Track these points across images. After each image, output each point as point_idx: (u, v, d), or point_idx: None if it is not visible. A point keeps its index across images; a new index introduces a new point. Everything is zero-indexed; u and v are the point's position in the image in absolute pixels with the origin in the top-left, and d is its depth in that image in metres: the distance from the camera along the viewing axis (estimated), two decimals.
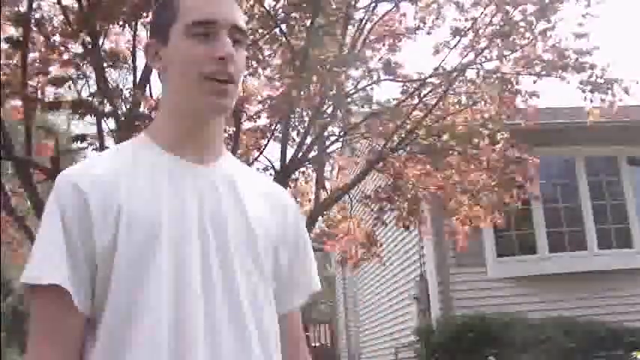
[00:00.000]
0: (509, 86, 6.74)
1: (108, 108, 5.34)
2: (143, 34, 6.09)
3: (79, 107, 5.33)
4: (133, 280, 1.12)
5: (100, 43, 5.57)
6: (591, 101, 6.60)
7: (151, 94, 6.37)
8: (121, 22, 5.44)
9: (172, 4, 1.24)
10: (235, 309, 1.18)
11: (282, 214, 1.33)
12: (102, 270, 1.12)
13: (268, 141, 7.49)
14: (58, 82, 5.56)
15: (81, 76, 5.66)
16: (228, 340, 1.16)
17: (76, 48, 5.70)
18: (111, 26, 5.64)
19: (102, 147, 5.59)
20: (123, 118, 5.32)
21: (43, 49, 5.69)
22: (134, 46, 5.84)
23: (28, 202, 5.68)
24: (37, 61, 5.64)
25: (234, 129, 6.49)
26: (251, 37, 5.97)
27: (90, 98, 5.42)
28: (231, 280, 1.19)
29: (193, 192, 1.20)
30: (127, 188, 1.15)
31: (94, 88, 5.63)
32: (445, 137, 6.59)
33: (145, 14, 5.49)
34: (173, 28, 1.22)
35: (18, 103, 5.63)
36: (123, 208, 1.13)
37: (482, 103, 6.89)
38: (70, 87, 5.69)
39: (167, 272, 1.13)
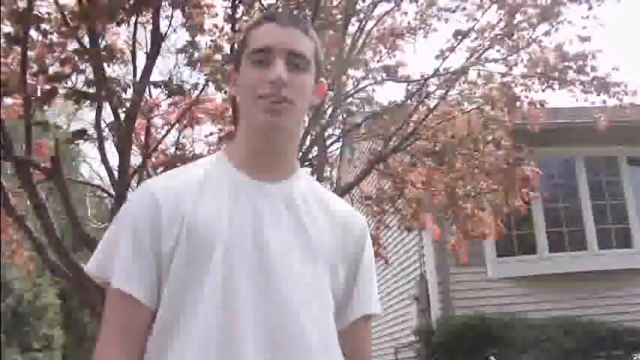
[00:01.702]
0: (511, 89, 6.74)
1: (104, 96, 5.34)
2: (143, 34, 6.09)
3: (74, 95, 5.34)
4: (185, 282, 1.22)
5: (99, 41, 5.56)
6: (592, 103, 6.59)
7: (150, 94, 6.37)
8: (120, 18, 5.43)
9: (245, 36, 1.38)
10: (287, 319, 1.24)
11: (343, 232, 1.37)
12: (164, 274, 1.25)
13: None
14: (56, 78, 5.55)
15: (79, 72, 5.65)
16: (279, 350, 1.22)
17: (75, 45, 5.69)
18: (109, 27, 5.63)
19: (100, 140, 5.58)
20: (122, 110, 5.32)
21: (41, 47, 5.68)
22: (134, 45, 5.83)
23: (28, 202, 5.67)
24: (35, 59, 5.63)
25: (234, 128, 6.49)
26: None
27: (86, 87, 5.42)
28: (282, 292, 1.24)
29: (255, 208, 1.29)
30: (193, 201, 1.27)
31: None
32: (446, 138, 6.59)
33: (144, 13, 5.49)
34: (243, 56, 1.36)
35: (17, 101, 5.62)
36: (185, 218, 1.25)
37: (484, 104, 6.88)
38: (67, 83, 5.69)
39: (217, 279, 1.22)
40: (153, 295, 1.25)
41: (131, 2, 5.20)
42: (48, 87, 5.52)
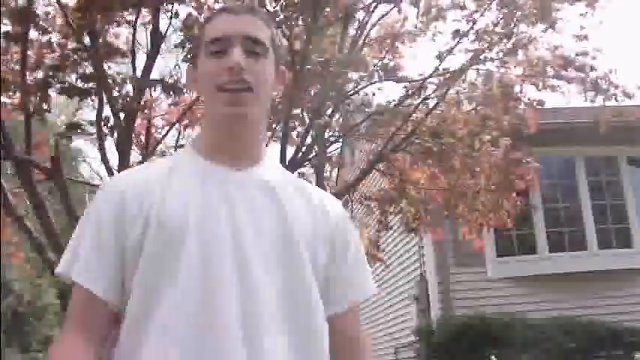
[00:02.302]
0: (511, 89, 6.74)
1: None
2: (143, 34, 6.10)
3: (71, 91, 5.34)
4: (157, 274, 1.19)
5: (99, 39, 5.56)
6: (592, 101, 6.60)
7: (151, 93, 6.37)
8: (119, 15, 5.44)
9: (200, 32, 1.36)
10: (266, 305, 1.20)
11: (323, 215, 1.34)
12: (131, 267, 1.21)
13: (268, 142, 7.49)
14: (53, 69, 5.54)
15: (78, 65, 5.65)
16: (267, 337, 1.18)
17: (75, 44, 5.69)
18: (109, 26, 5.63)
19: (100, 140, 5.58)
20: (122, 109, 5.32)
21: (39, 48, 5.68)
22: (133, 43, 5.84)
23: (28, 202, 5.67)
24: (35, 58, 5.63)
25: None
26: None
27: (84, 84, 5.42)
28: (264, 276, 1.21)
29: (227, 196, 1.26)
30: (161, 191, 1.25)
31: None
32: (446, 139, 6.59)
33: (143, 10, 5.49)
34: (200, 51, 1.33)
35: (16, 101, 5.61)
36: (154, 209, 1.22)
37: (483, 106, 6.89)
38: (65, 79, 5.68)
39: (194, 268, 1.18)
40: (115, 292, 1.22)
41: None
42: (45, 80, 5.52)
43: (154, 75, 5.72)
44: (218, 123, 1.31)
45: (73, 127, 5.85)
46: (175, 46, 5.81)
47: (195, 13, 5.49)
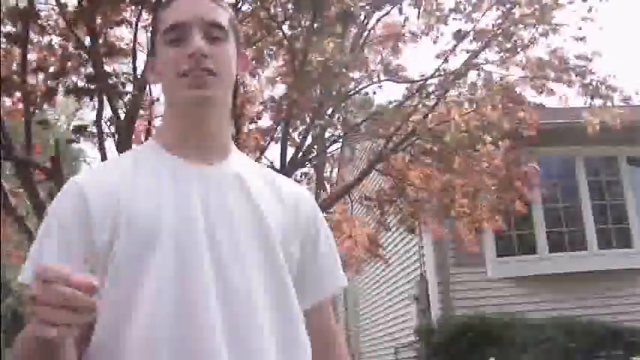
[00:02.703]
0: (511, 93, 6.75)
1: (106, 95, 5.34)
2: (144, 35, 6.10)
3: (74, 92, 5.34)
4: (131, 278, 1.12)
5: (99, 39, 5.56)
6: (591, 106, 6.61)
7: (150, 93, 6.38)
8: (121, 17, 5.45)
9: (156, 20, 1.29)
10: (248, 305, 1.16)
11: (294, 207, 1.31)
12: (99, 269, 1.13)
13: (269, 142, 7.49)
14: (56, 75, 5.55)
15: (81, 66, 5.65)
16: (253, 338, 1.15)
17: (75, 44, 5.69)
18: (110, 28, 5.64)
19: (100, 140, 5.58)
20: (123, 110, 5.32)
21: (40, 48, 5.68)
22: (134, 43, 5.84)
23: (28, 202, 5.67)
24: (37, 58, 5.63)
25: (235, 130, 6.49)
26: (252, 37, 5.97)
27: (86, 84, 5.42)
28: (241, 276, 1.17)
29: (198, 190, 1.20)
30: (128, 190, 1.17)
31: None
32: (446, 139, 6.59)
33: (145, 13, 5.49)
34: (157, 40, 1.27)
35: (16, 100, 5.62)
36: (122, 208, 1.15)
37: (483, 106, 6.89)
38: (67, 81, 5.69)
39: (169, 270, 1.13)
40: None
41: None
42: (48, 85, 5.52)
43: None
44: (182, 110, 1.24)
45: (80, 131, 5.85)
46: None
47: None
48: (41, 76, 5.59)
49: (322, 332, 1.33)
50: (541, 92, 6.81)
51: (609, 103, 6.59)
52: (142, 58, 5.86)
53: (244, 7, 6.29)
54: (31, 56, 5.53)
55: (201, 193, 1.20)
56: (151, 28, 1.38)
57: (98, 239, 1.13)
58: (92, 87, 5.43)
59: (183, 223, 1.16)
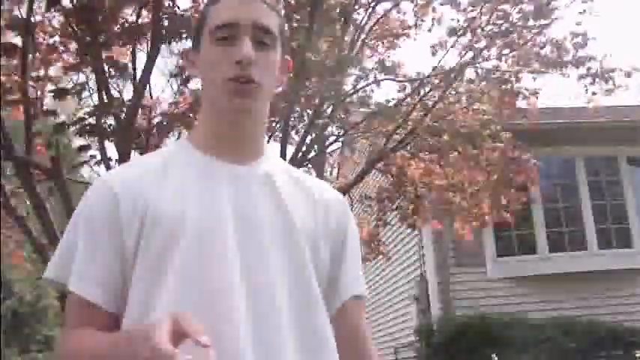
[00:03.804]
0: (508, 85, 6.75)
1: (109, 122, 5.39)
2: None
3: (82, 126, 5.36)
4: (154, 274, 1.14)
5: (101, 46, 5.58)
6: (593, 94, 6.61)
7: (150, 94, 6.38)
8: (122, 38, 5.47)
9: (203, 13, 1.28)
10: (270, 305, 1.16)
11: (325, 211, 1.30)
12: (129, 267, 1.16)
13: (268, 141, 7.50)
14: (61, 93, 5.56)
15: (83, 86, 5.68)
16: (277, 339, 1.14)
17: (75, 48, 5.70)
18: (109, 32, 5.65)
19: (101, 140, 5.59)
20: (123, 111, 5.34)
21: (42, 52, 5.69)
22: (134, 48, 5.84)
23: (28, 202, 5.67)
24: (37, 63, 5.64)
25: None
26: None
27: (90, 117, 5.43)
28: (266, 275, 1.17)
29: (227, 189, 1.21)
30: (156, 188, 1.18)
31: (94, 90, 5.64)
32: (445, 137, 6.60)
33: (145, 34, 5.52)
34: (202, 35, 1.25)
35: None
36: (149, 206, 1.16)
37: (482, 102, 6.90)
38: (74, 94, 5.70)
39: (192, 266, 1.13)
40: (115, 296, 1.16)
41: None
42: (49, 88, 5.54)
43: (154, 75, 5.72)
44: (221, 114, 1.24)
45: (85, 150, 5.88)
46: (172, 76, 5.86)
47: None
48: (42, 82, 5.60)
49: (349, 336, 1.31)
50: (537, 75, 6.81)
51: (611, 85, 6.56)
52: (141, 57, 5.87)
53: None
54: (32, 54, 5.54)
55: (230, 192, 1.20)
56: (196, 20, 1.37)
57: (127, 239, 1.15)
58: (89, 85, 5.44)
59: (207, 219, 1.16)
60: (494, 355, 6.31)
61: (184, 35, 5.19)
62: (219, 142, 1.25)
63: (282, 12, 1.25)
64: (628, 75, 6.56)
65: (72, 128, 5.52)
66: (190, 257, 1.14)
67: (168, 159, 1.25)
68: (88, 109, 5.70)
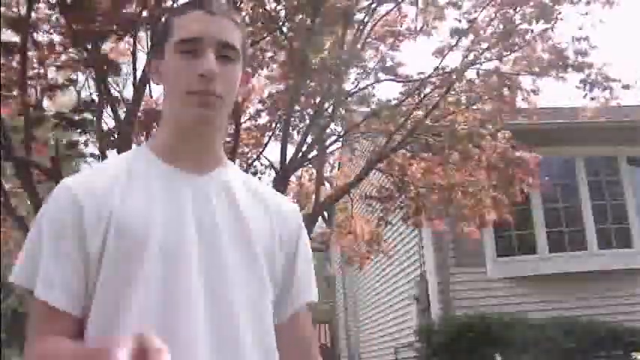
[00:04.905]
0: (508, 84, 6.75)
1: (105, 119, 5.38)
2: (143, 34, 6.11)
3: (62, 119, 5.34)
4: (120, 284, 1.16)
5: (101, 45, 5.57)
6: (592, 99, 6.62)
7: (150, 94, 6.38)
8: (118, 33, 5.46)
9: (168, 23, 1.31)
10: (229, 316, 1.21)
11: (280, 220, 1.35)
12: (93, 274, 1.18)
13: (269, 140, 7.50)
14: (53, 89, 5.55)
15: (75, 82, 5.67)
16: (225, 347, 1.18)
17: (75, 48, 5.70)
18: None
19: (100, 135, 5.59)
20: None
21: (40, 50, 5.68)
22: (134, 47, 5.84)
23: (28, 202, 5.67)
24: (36, 62, 5.63)
25: (234, 127, 6.50)
26: (252, 37, 5.97)
27: (81, 112, 5.42)
28: (224, 286, 1.21)
29: (186, 199, 1.24)
30: (120, 196, 1.20)
31: (93, 89, 5.64)
32: (445, 137, 6.60)
33: (145, 23, 5.50)
34: (167, 44, 1.28)
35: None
36: (113, 215, 1.18)
37: (482, 103, 6.90)
38: (66, 88, 5.70)
39: (156, 278, 1.16)
40: (79, 302, 1.18)
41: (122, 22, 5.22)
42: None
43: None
44: (181, 124, 1.27)
45: (72, 146, 5.88)
46: None
47: None
48: (41, 81, 5.60)
49: (298, 341, 1.37)
50: (537, 78, 6.81)
51: (608, 94, 6.58)
52: (142, 57, 5.87)
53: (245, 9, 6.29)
54: (32, 53, 5.53)
55: (190, 201, 1.24)
56: (154, 28, 1.41)
57: (91, 245, 1.17)
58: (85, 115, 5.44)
59: (170, 231, 1.20)
60: (497, 355, 6.30)
61: None
62: (180, 151, 1.28)
63: (245, 27, 1.28)
64: (626, 87, 6.57)
65: (52, 121, 5.51)
66: (155, 269, 1.16)
67: (132, 167, 1.27)
68: (71, 107, 5.70)
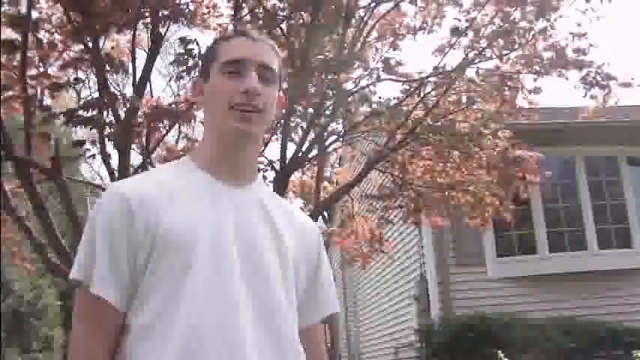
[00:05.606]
0: (509, 83, 6.75)
1: (107, 117, 5.37)
2: (144, 34, 6.10)
3: (73, 116, 5.33)
4: (169, 289, 1.27)
5: (101, 44, 5.57)
6: (592, 97, 6.62)
7: (151, 93, 6.37)
8: (119, 26, 5.46)
9: (214, 47, 1.47)
10: (271, 320, 1.33)
11: (304, 236, 1.48)
12: (142, 279, 1.30)
13: (269, 139, 7.49)
14: (57, 87, 5.55)
15: (80, 80, 5.67)
16: (268, 349, 1.31)
17: (77, 47, 5.70)
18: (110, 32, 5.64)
19: (101, 140, 5.58)
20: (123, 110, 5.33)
21: (42, 49, 5.68)
22: (133, 46, 5.84)
23: (28, 202, 5.67)
24: (36, 60, 5.62)
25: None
26: None
27: (84, 110, 5.41)
28: (267, 292, 1.33)
29: (228, 210, 1.36)
30: (167, 205, 1.32)
31: (94, 89, 5.64)
32: (446, 136, 6.60)
33: (146, 17, 5.50)
34: (212, 67, 1.43)
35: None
36: (160, 224, 1.29)
37: (483, 101, 6.89)
38: (69, 87, 5.70)
39: (205, 283, 1.28)
40: (127, 300, 1.31)
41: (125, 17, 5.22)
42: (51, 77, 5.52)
43: (154, 74, 5.72)
44: (224, 138, 1.39)
45: (79, 145, 5.89)
46: (172, 64, 5.86)
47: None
48: (42, 79, 5.59)
49: (313, 346, 1.49)
50: (538, 77, 6.81)
51: (608, 92, 6.58)
52: (141, 57, 5.87)
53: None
54: (32, 53, 5.53)
55: (232, 212, 1.36)
56: (204, 55, 1.57)
57: (140, 251, 1.29)
58: (91, 111, 5.43)
59: (216, 237, 1.31)
60: (500, 353, 6.28)
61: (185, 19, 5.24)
62: (221, 164, 1.40)
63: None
64: (627, 85, 6.57)
65: (61, 119, 5.51)
66: (203, 277, 1.27)
67: (176, 177, 1.39)
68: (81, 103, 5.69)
